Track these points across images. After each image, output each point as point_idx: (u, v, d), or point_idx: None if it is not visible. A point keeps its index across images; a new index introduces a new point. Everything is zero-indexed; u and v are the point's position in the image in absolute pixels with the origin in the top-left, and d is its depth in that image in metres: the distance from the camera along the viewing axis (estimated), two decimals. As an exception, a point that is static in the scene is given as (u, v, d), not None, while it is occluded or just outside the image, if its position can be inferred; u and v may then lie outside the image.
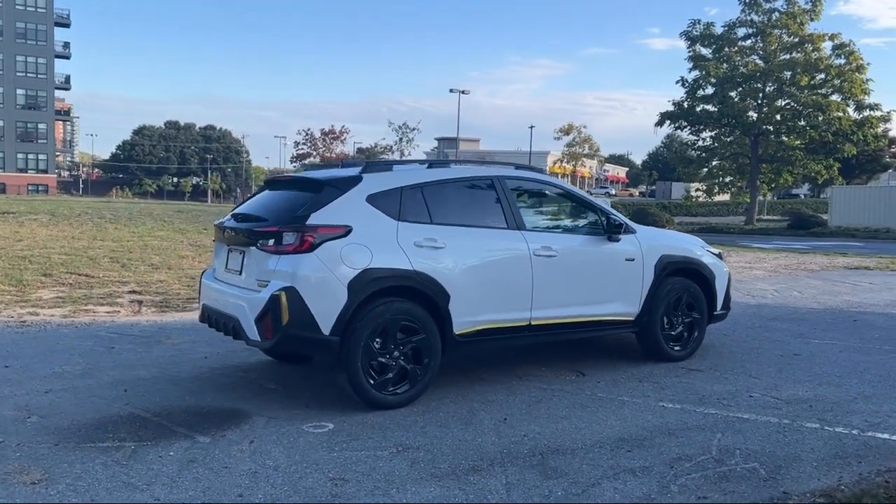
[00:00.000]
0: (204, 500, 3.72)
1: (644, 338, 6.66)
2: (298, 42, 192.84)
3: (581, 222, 6.43)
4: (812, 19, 35.68)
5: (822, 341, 7.84)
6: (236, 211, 5.84)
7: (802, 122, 35.25)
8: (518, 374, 6.19)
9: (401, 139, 65.31)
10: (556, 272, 5.97)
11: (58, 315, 8.60)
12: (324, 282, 4.97)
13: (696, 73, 37.29)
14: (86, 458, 4.20)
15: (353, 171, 5.60)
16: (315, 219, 5.06)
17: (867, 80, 34.72)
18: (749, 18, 36.34)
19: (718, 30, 37.06)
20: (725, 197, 46.72)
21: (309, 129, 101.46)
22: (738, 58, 36.68)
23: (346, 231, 5.09)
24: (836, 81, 34.59)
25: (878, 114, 35.39)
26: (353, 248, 5.08)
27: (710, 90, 36.72)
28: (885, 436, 4.80)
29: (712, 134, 38.42)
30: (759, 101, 36.32)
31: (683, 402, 5.53)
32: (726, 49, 36.69)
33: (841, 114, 34.61)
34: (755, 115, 36.37)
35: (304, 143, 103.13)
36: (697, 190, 42.93)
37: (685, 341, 6.84)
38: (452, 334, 5.45)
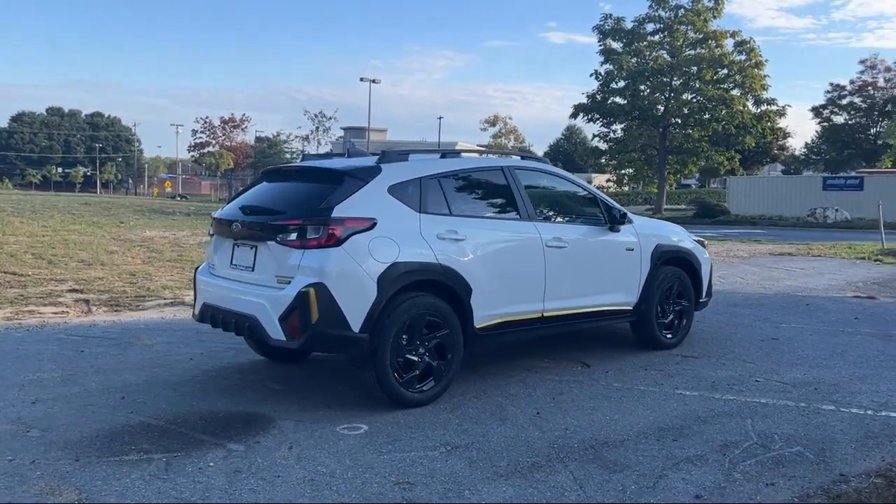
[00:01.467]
0: (271, 513, 3.48)
1: (640, 326, 6.74)
2: (188, 26, 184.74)
3: (585, 213, 6.43)
4: (714, 17, 37.31)
5: (789, 325, 8.18)
6: (244, 203, 5.47)
7: (707, 116, 36.84)
8: (525, 367, 6.13)
9: (317, 128, 63.93)
10: (565, 263, 5.95)
11: None
12: (353, 277, 4.75)
13: (607, 66, 38.33)
14: (118, 473, 3.84)
15: (369, 161, 5.37)
16: (339, 211, 4.82)
17: (765, 76, 36.67)
18: (657, 14, 37.62)
19: (629, 24, 38.20)
20: (625, 188, 48.27)
21: (207, 117, 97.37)
22: (648, 52, 37.93)
23: (372, 224, 4.88)
24: (738, 77, 36.36)
25: (774, 108, 37.47)
26: (381, 242, 4.88)
27: (621, 84, 37.82)
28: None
29: (623, 126, 39.63)
30: (667, 95, 37.71)
31: (697, 388, 5.62)
32: (636, 44, 37.85)
33: (743, 108, 36.43)
34: (663, 108, 37.74)
35: (202, 132, 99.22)
36: (608, 181, 44.21)
37: (676, 329, 6.98)
38: (473, 328, 5.33)
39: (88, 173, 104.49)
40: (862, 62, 59.29)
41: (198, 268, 5.85)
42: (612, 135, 39.90)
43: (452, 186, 5.47)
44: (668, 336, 6.89)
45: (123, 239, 16.48)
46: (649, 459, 4.17)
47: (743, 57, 36.61)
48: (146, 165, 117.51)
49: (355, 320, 4.73)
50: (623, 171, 40.57)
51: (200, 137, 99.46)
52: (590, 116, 39.14)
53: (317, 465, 4.02)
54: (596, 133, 40.33)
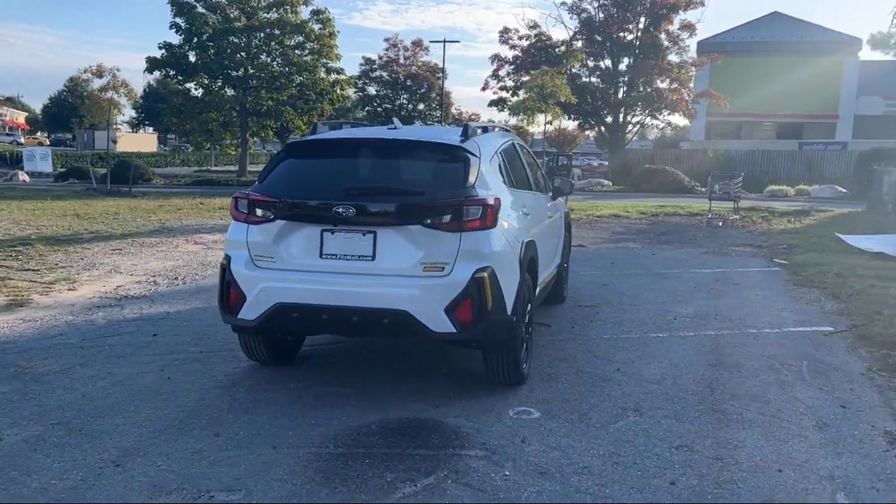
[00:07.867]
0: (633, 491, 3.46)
1: (555, 284, 7.40)
2: None
3: (542, 183, 6.83)
4: (287, -17, 37.94)
5: (591, 272, 9.71)
6: (347, 184, 4.47)
7: (286, 80, 37.56)
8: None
9: None
10: (549, 232, 6.37)
11: None
12: (508, 258, 4.56)
13: (179, 20, 36.07)
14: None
15: (454, 134, 4.98)
16: (480, 190, 4.52)
17: (336, 45, 38.92)
18: (230, -29, 36.66)
19: (200, -22, 36.43)
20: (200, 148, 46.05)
21: None
22: (229, 11, 36.79)
23: (500, 202, 4.67)
24: (315, 45, 37.84)
25: (343, 77, 40.22)
26: (513, 221, 4.75)
27: (203, 40, 36.04)
28: (805, 329, 6.77)
29: (202, 85, 37.91)
30: (248, 57, 37.29)
31: (657, 331, 6.58)
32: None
33: (323, 75, 38.23)
34: (244, 69, 37.23)
35: None
36: (186, 141, 41.87)
37: (565, 285, 7.90)
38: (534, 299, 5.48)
39: None
40: (387, 40, 66.50)
41: (226, 262, 4.66)
42: (192, 93, 37.87)
43: (506, 162, 5.44)
44: (564, 291, 7.76)
45: None
46: (768, 387, 5.06)
47: (319, 26, 38.23)
48: None
49: (510, 303, 4.57)
50: (208, 133, 38.56)
51: None
52: (166, 72, 36.60)
53: (586, 450, 3.96)
54: (176, 89, 37.56)
